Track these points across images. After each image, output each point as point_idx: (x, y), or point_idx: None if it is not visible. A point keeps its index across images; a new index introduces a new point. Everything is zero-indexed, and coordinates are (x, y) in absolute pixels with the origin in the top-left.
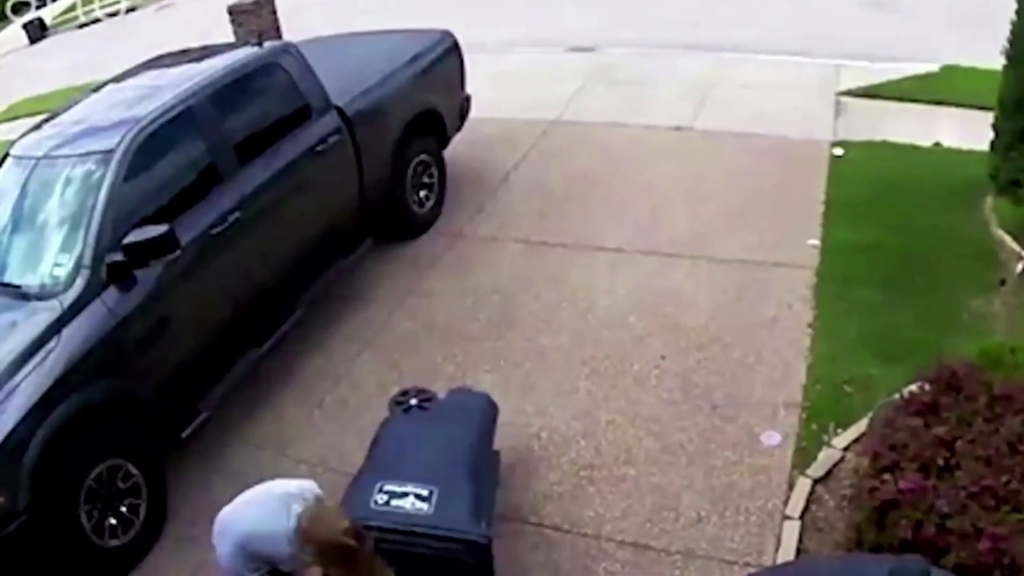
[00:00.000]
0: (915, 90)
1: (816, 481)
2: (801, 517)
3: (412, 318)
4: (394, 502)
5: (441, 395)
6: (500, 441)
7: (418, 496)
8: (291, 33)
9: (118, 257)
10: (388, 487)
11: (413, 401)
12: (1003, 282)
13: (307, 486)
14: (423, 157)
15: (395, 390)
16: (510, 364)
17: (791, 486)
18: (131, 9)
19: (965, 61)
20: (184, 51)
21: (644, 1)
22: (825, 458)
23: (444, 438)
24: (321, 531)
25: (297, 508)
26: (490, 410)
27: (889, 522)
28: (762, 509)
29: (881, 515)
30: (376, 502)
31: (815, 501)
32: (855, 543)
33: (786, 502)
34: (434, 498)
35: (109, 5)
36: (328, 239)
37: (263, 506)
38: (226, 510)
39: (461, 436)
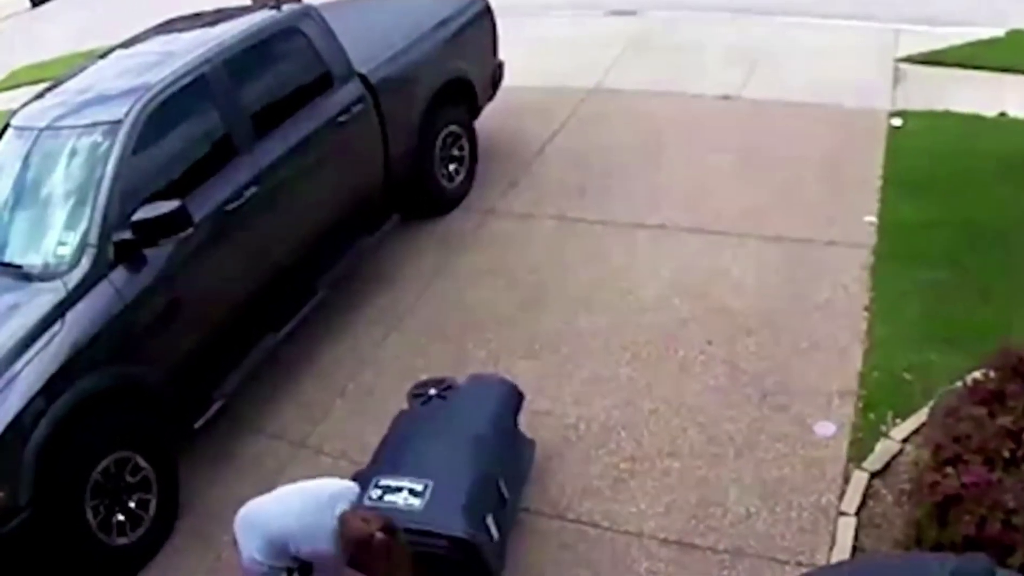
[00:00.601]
0: (979, 56)
1: (873, 475)
2: (857, 513)
3: (441, 300)
4: (388, 497)
5: (461, 382)
6: (534, 432)
7: (412, 491)
8: None
9: (126, 235)
10: (384, 482)
11: (432, 392)
12: None
13: (350, 486)
14: (453, 128)
15: (422, 377)
16: (546, 349)
17: (846, 480)
18: None
19: None
20: (197, 15)
21: None
22: (883, 450)
23: (452, 429)
24: (358, 528)
25: (343, 506)
26: (510, 396)
27: (951, 518)
28: (815, 505)
29: (943, 511)
30: (370, 497)
31: (872, 496)
32: (915, 541)
33: (841, 497)
34: (428, 493)
35: None
36: (351, 216)
37: (308, 503)
38: (257, 503)
39: (470, 426)
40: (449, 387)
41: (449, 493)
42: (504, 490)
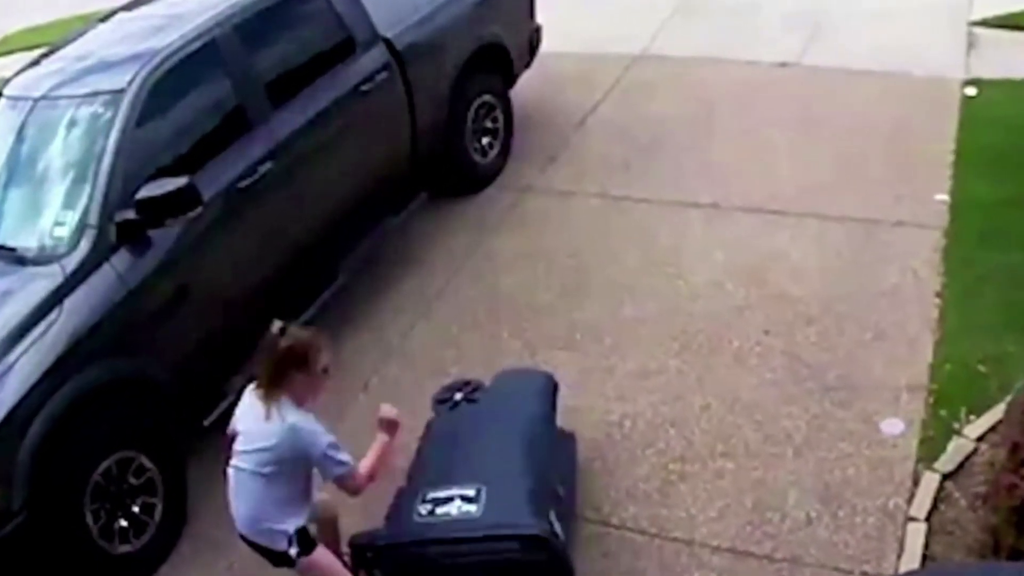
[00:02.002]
0: None
1: (945, 476)
2: (928, 518)
3: (473, 286)
4: (439, 510)
5: (488, 382)
6: (575, 431)
7: (464, 498)
8: None
9: (130, 215)
10: (431, 495)
11: (458, 396)
12: None
13: None
14: (486, 98)
15: (453, 373)
16: (587, 340)
17: (916, 482)
18: None
19: None
20: None
21: None
22: (955, 450)
23: (493, 430)
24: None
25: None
26: (546, 388)
27: None
28: (882, 509)
29: (1021, 516)
30: (419, 514)
31: (944, 499)
32: (991, 548)
33: (910, 501)
34: (483, 496)
35: None
36: (375, 194)
37: None
38: None
39: (512, 424)
40: (476, 388)
41: (507, 493)
42: (559, 488)
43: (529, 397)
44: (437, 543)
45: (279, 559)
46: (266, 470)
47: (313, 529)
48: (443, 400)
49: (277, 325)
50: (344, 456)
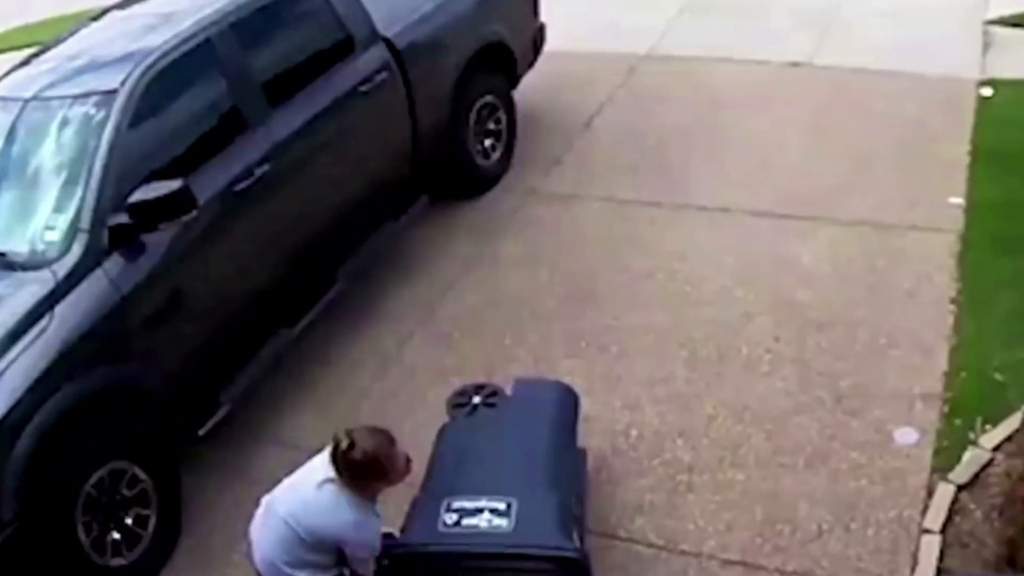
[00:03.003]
0: None
1: (960, 487)
2: (942, 530)
3: (475, 292)
4: (466, 521)
5: (507, 388)
6: (581, 439)
7: (494, 511)
8: None
9: (122, 218)
10: (457, 504)
11: (476, 400)
12: None
13: None
14: (489, 99)
15: (453, 380)
16: (593, 347)
17: (930, 493)
18: None
19: None
20: None
21: None
22: (971, 460)
23: (516, 440)
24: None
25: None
26: (570, 402)
27: None
28: (896, 521)
29: None
30: (445, 523)
31: (959, 511)
32: (1007, 561)
33: (924, 512)
34: (513, 511)
35: None
36: (375, 197)
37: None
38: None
39: (537, 436)
40: (494, 392)
41: (536, 510)
42: (575, 505)
43: (551, 409)
44: (466, 556)
45: None
46: (304, 535)
47: None
48: (460, 404)
49: (344, 440)
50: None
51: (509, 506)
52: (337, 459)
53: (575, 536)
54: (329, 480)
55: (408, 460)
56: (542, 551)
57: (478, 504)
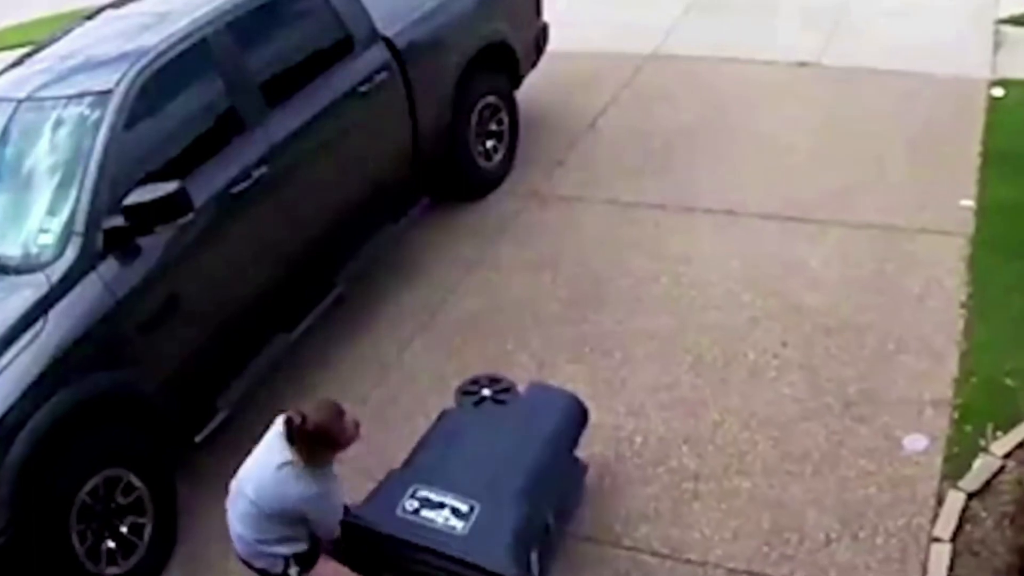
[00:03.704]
0: None
1: (971, 495)
2: (953, 539)
3: (477, 296)
4: (425, 512)
5: (522, 389)
6: (584, 447)
7: (455, 511)
8: None
9: (117, 221)
10: (423, 493)
11: (486, 392)
12: None
13: None
14: (490, 99)
15: (458, 382)
16: (597, 353)
17: (940, 501)
18: None
19: None
20: None
21: None
22: (982, 467)
23: (507, 444)
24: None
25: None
26: (576, 414)
27: None
28: (905, 529)
29: None
30: (404, 508)
31: (970, 519)
32: (1018, 571)
33: (934, 520)
34: (473, 516)
35: None
36: (375, 200)
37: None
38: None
39: (530, 444)
40: (507, 389)
41: (496, 521)
42: (550, 520)
43: (552, 419)
44: (408, 546)
45: None
46: (269, 511)
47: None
48: (469, 392)
49: (296, 417)
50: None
51: (471, 510)
52: (292, 435)
53: (532, 556)
54: (287, 463)
55: (357, 425)
56: (483, 564)
57: (443, 499)
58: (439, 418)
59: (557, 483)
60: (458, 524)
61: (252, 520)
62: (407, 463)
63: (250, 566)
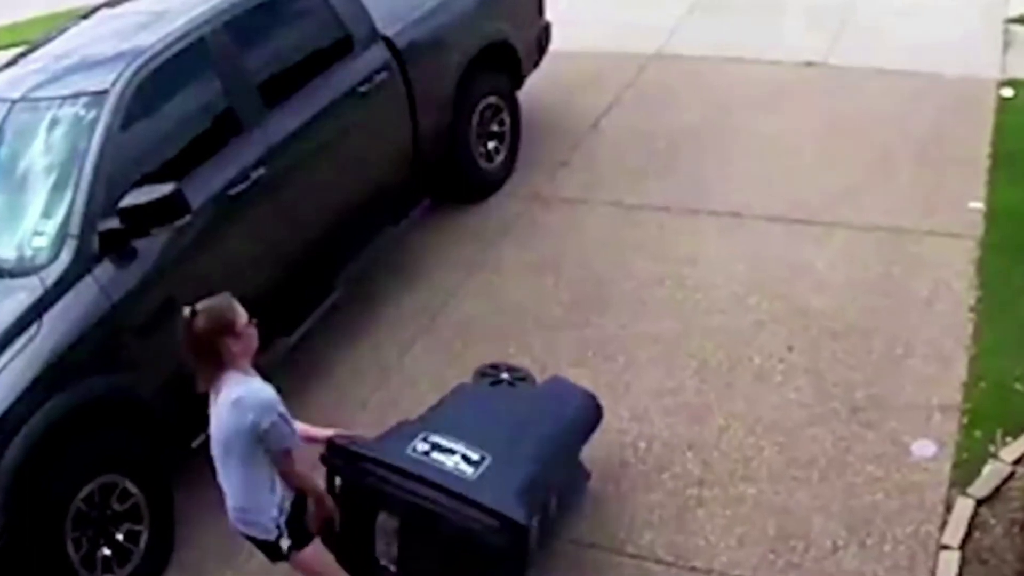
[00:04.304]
0: None
1: (980, 502)
2: (962, 546)
3: (478, 299)
4: (436, 455)
5: (540, 380)
6: (587, 452)
7: (465, 458)
8: None
9: (113, 224)
10: (434, 438)
11: (504, 376)
12: None
13: None
14: (492, 100)
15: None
16: (600, 357)
17: (949, 508)
18: None
19: None
20: None
21: None
22: (991, 473)
23: (519, 418)
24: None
25: None
26: (590, 413)
27: None
28: (913, 536)
29: None
30: (415, 449)
31: (979, 526)
32: None
33: (943, 528)
34: (484, 466)
35: None
36: (374, 202)
37: None
38: None
39: (544, 421)
40: (524, 378)
41: (505, 475)
42: (552, 502)
43: (567, 409)
44: (417, 480)
45: (273, 552)
46: (228, 456)
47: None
48: (486, 374)
49: (186, 311)
50: (291, 427)
51: (482, 459)
52: (187, 334)
53: (534, 521)
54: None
55: (251, 319)
56: (494, 505)
57: (454, 446)
58: (454, 388)
59: (564, 469)
60: (468, 469)
61: (224, 477)
62: (420, 419)
63: (249, 538)
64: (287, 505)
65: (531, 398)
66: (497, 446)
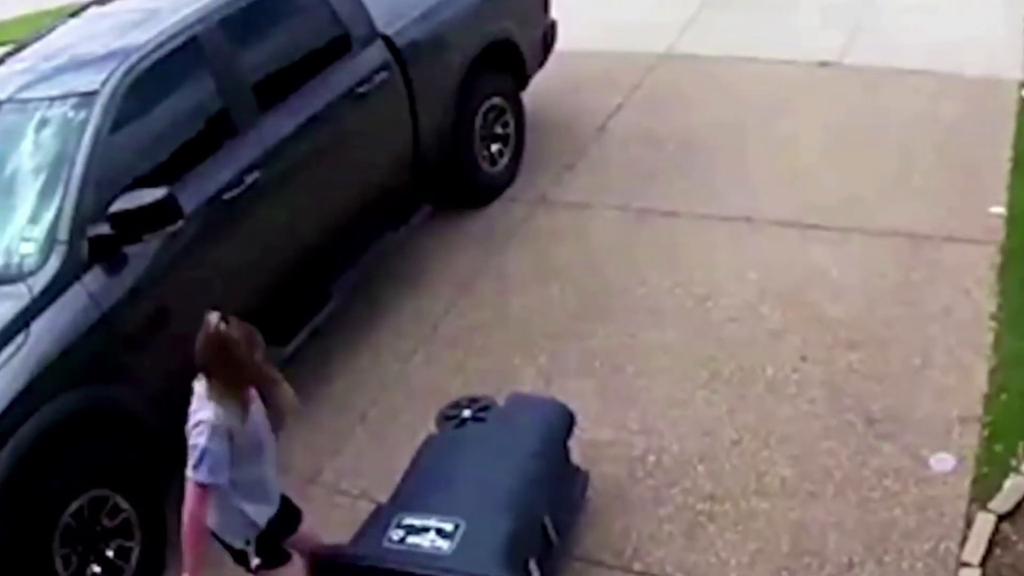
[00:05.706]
0: None
1: (1001, 517)
2: (982, 564)
3: (481, 308)
4: (411, 539)
5: (501, 401)
6: (593, 466)
7: (440, 532)
8: None
9: (103, 229)
10: (408, 520)
11: (466, 413)
12: None
13: None
14: (495, 101)
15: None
16: (607, 367)
17: (969, 524)
18: None
19: None
20: None
21: None
22: (1012, 488)
23: (491, 458)
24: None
25: None
26: (559, 419)
27: None
28: (932, 553)
29: None
30: (390, 539)
31: (1000, 543)
32: None
33: (963, 544)
34: (458, 534)
35: None
36: (374, 206)
37: None
38: None
39: (512, 455)
40: (486, 407)
41: (484, 533)
42: (552, 532)
43: (537, 428)
44: (397, 574)
45: (240, 558)
46: None
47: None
48: (450, 417)
49: (213, 316)
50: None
51: (456, 527)
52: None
53: (531, 564)
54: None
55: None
56: (474, 572)
57: (427, 523)
58: (423, 444)
59: (550, 489)
60: (444, 544)
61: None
62: (394, 494)
63: (222, 543)
64: (263, 521)
65: (496, 433)
66: (468, 506)
